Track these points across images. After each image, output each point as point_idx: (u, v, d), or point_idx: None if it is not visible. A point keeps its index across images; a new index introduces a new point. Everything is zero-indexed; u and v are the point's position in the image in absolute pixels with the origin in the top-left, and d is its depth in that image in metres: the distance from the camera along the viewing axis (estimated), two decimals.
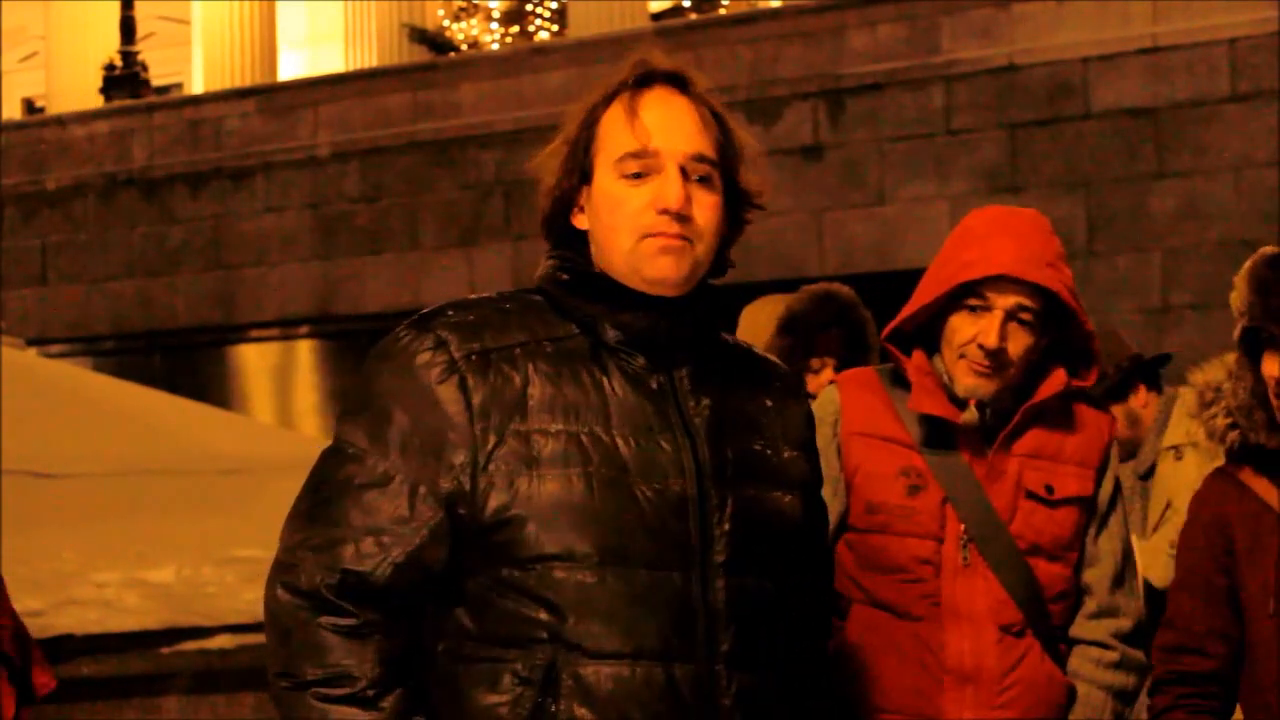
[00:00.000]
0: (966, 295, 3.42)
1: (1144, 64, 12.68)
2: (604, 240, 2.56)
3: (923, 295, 3.49)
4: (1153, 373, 6.08)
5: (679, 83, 2.58)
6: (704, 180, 2.54)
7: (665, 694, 2.46)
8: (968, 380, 3.44)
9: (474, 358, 2.51)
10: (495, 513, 2.47)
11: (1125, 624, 3.48)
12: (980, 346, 3.40)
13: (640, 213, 2.52)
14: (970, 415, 3.45)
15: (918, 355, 3.50)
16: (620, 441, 2.49)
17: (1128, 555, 3.57)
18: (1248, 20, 12.38)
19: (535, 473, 2.47)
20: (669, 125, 2.54)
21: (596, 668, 2.45)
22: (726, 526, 2.51)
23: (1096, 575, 3.52)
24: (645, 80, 2.57)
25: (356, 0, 19.94)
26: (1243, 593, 3.24)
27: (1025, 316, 3.41)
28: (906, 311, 3.50)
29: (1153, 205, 12.54)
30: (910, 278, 3.61)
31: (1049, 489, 3.46)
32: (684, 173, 2.53)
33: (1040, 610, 3.46)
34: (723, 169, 2.58)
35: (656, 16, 18.72)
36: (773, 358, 2.81)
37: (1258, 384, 3.25)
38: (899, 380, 3.51)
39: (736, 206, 2.62)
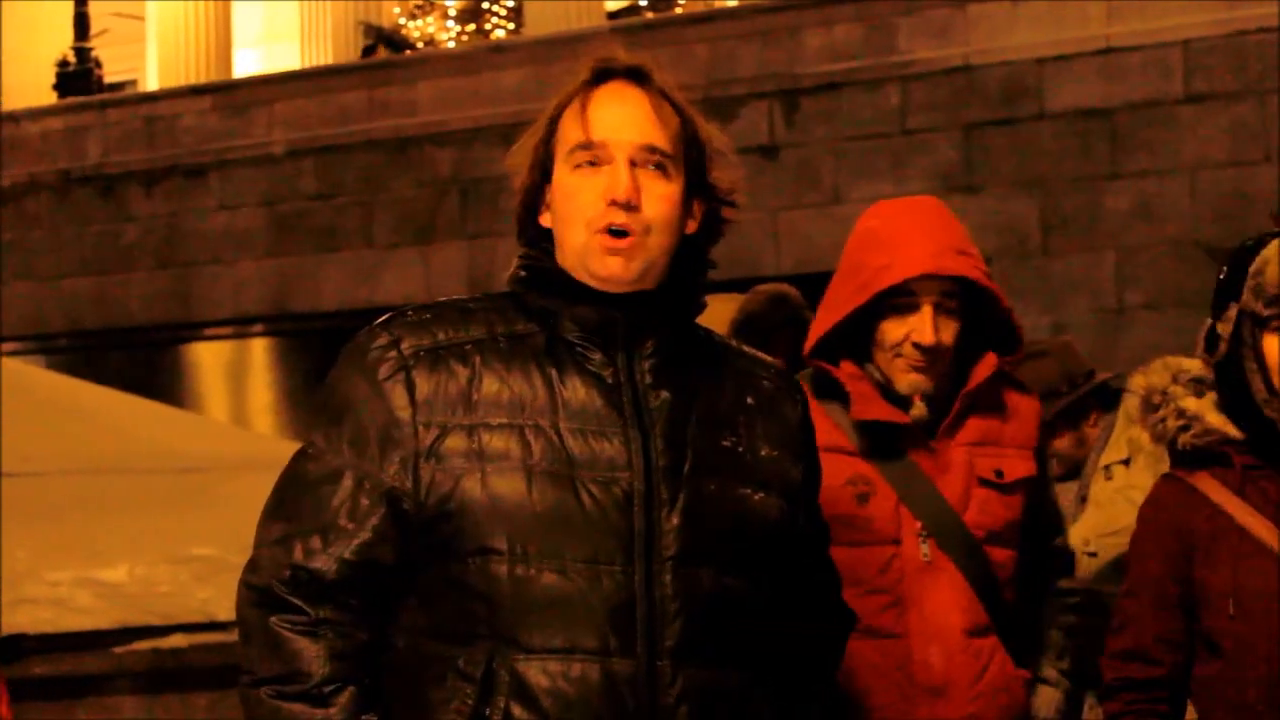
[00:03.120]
0: (889, 296, 3.43)
1: (1099, 65, 12.73)
2: (559, 234, 2.57)
3: (841, 305, 3.49)
4: (1108, 395, 6.04)
5: (637, 76, 2.58)
6: (656, 171, 2.54)
7: (603, 690, 2.45)
8: (908, 378, 3.46)
9: (423, 354, 2.53)
10: (437, 507, 2.48)
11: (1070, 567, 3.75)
12: (916, 344, 3.42)
13: (590, 204, 2.53)
14: (919, 411, 3.46)
15: (846, 364, 3.51)
16: (568, 436, 2.49)
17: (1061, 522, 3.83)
18: (1202, 22, 12.44)
19: (476, 467, 2.48)
20: (619, 118, 2.55)
21: (533, 664, 2.45)
22: (676, 521, 2.50)
23: (1061, 540, 3.73)
24: (603, 75, 2.58)
25: None
26: (1202, 597, 3.24)
27: (950, 305, 3.44)
28: (828, 323, 3.49)
29: (1107, 205, 12.59)
30: None
31: (999, 473, 3.48)
32: (636, 163, 2.53)
33: (1000, 602, 3.48)
34: (687, 162, 2.58)
35: (613, 15, 18.72)
36: (768, 358, 2.78)
37: (1263, 370, 3.22)
38: (822, 390, 3.50)
39: (709, 203, 2.62)
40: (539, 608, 2.45)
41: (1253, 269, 3.23)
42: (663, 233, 2.54)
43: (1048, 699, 3.68)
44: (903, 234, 3.46)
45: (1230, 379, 3.25)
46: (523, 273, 2.60)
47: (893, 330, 3.45)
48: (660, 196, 2.54)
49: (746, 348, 2.78)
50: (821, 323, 3.53)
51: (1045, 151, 12.83)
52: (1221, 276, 3.30)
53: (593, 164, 2.54)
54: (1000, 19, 13.14)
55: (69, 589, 6.94)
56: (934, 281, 3.43)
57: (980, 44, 13.18)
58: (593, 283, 2.54)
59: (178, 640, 6.88)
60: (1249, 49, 12.28)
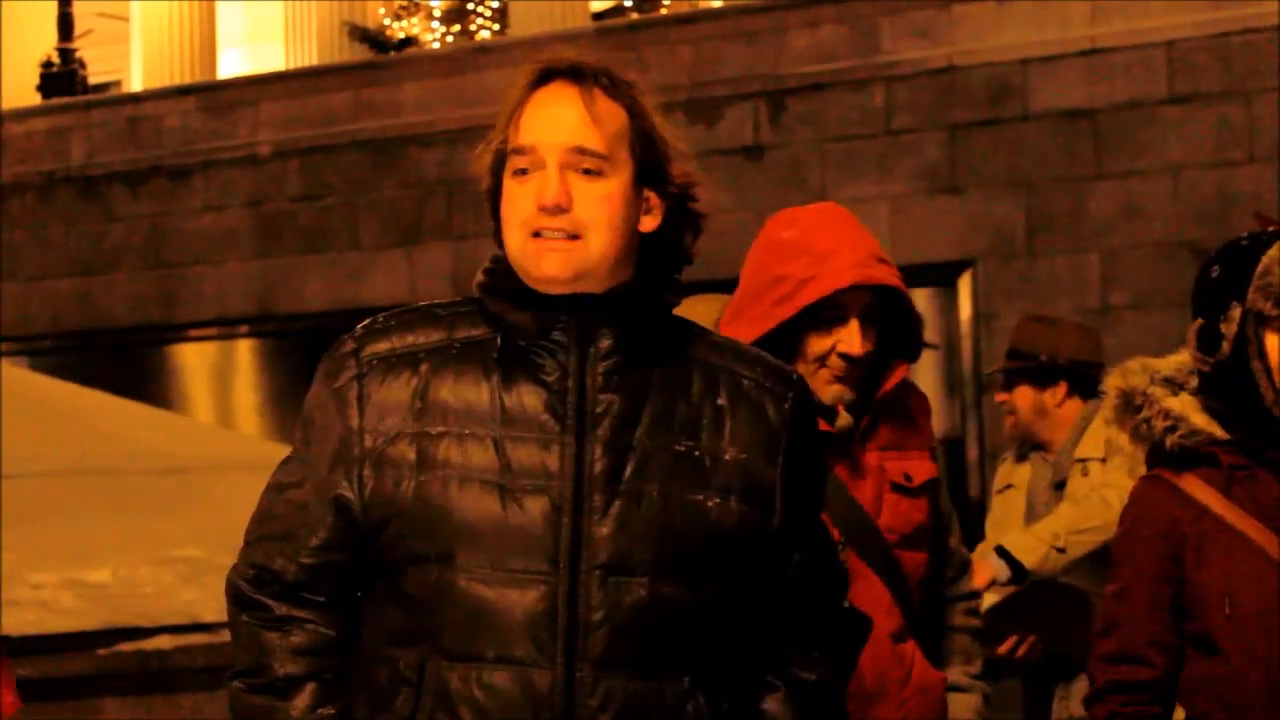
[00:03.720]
0: (814, 308, 3.43)
1: (1083, 66, 12.74)
2: (505, 239, 2.58)
3: (763, 319, 3.45)
4: (1085, 379, 5.99)
5: (575, 75, 2.57)
6: (590, 173, 2.53)
7: (520, 700, 2.46)
8: (831, 389, 3.46)
9: (376, 361, 2.56)
10: (378, 513, 2.52)
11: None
12: (843, 355, 3.42)
13: (524, 208, 2.53)
14: (845, 420, 3.48)
15: None
16: (507, 444, 2.50)
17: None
18: (1186, 23, 12.46)
19: (412, 476, 2.50)
20: (550, 120, 2.54)
21: (456, 671, 2.47)
22: (606, 529, 2.48)
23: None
24: (545, 77, 2.58)
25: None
26: (1195, 598, 3.24)
27: (872, 314, 3.45)
28: (749, 337, 3.39)
29: (1091, 206, 12.61)
30: None
31: (908, 477, 3.51)
32: (567, 166, 2.52)
33: (911, 606, 3.51)
34: (636, 158, 2.55)
35: (598, 16, 18.71)
36: (763, 354, 2.72)
37: (1265, 366, 3.22)
38: None
39: (669, 197, 2.59)
40: (462, 615, 2.47)
41: (1260, 269, 3.22)
42: (603, 233, 2.52)
43: (965, 704, 3.70)
44: (825, 245, 3.46)
45: (1233, 379, 3.25)
46: (484, 277, 2.61)
47: (818, 342, 3.45)
48: (597, 197, 2.52)
49: (742, 345, 2.73)
50: (741, 336, 3.51)
51: (1030, 152, 12.84)
52: (1214, 275, 3.29)
53: (527, 169, 2.54)
54: (984, 20, 13.15)
55: (53, 591, 6.94)
56: (861, 292, 3.44)
57: (965, 44, 13.19)
58: (535, 285, 2.54)
59: (163, 642, 6.87)
60: (1233, 50, 12.30)
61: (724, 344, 2.70)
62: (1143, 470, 3.37)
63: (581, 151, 2.53)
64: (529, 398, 2.52)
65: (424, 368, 2.54)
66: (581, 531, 2.49)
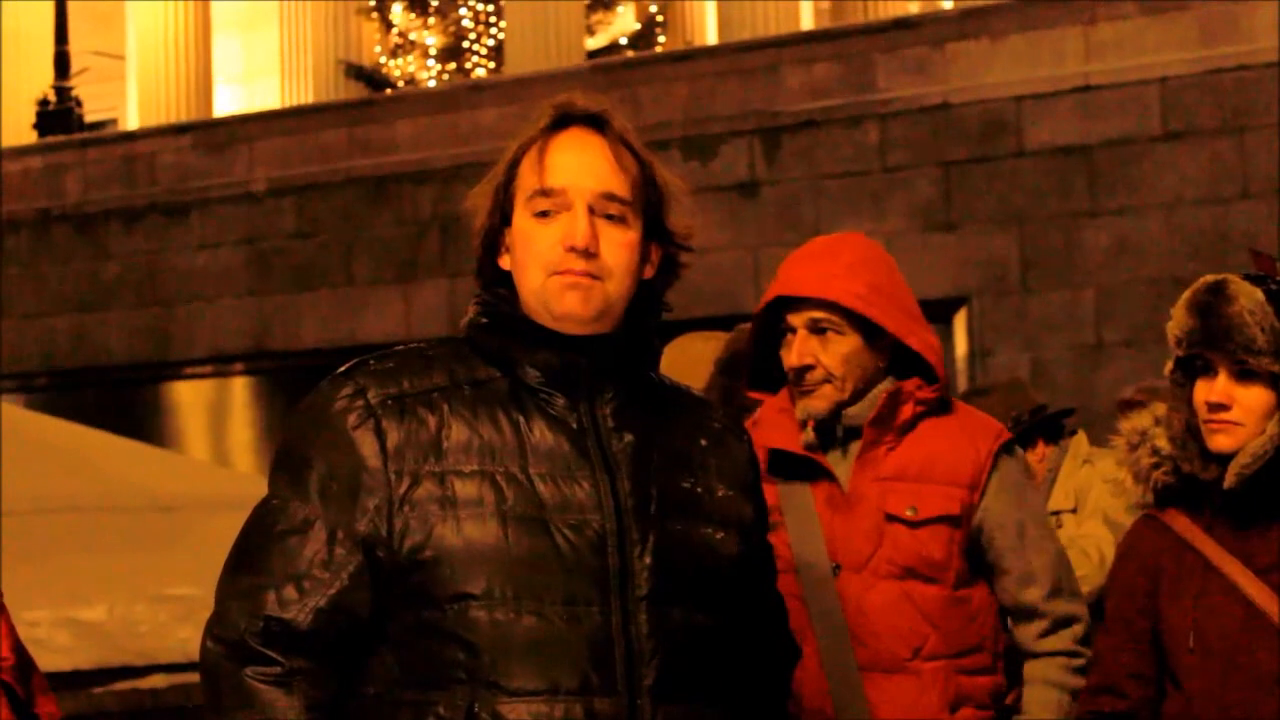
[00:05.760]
0: (784, 327, 3.53)
1: (1076, 103, 12.78)
2: (519, 279, 2.59)
3: (753, 337, 3.63)
4: (1053, 426, 6.06)
5: (596, 123, 2.60)
6: (614, 219, 2.56)
7: None
8: (801, 403, 3.51)
9: (390, 402, 2.54)
10: (411, 554, 2.49)
11: (1079, 630, 3.56)
12: (789, 368, 3.49)
13: (548, 250, 2.55)
14: (806, 436, 3.51)
15: (782, 393, 3.58)
16: (537, 480, 2.51)
17: (1062, 561, 3.64)
18: (1179, 59, 12.50)
19: (450, 514, 2.49)
20: (579, 164, 2.56)
21: (515, 706, 2.46)
22: (648, 560, 2.52)
23: (1038, 594, 3.56)
24: (563, 122, 2.60)
25: (292, 36, 19.90)
26: (1164, 631, 3.26)
27: (828, 326, 3.48)
28: (748, 356, 3.63)
29: (1086, 242, 12.63)
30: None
31: (913, 510, 3.49)
32: (595, 210, 2.55)
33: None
34: (644, 209, 2.59)
35: (593, 54, 18.76)
36: (708, 398, 2.85)
37: (1192, 416, 3.27)
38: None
39: (665, 248, 2.64)
40: (520, 651, 2.46)
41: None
42: (621, 279, 2.56)
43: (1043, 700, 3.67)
44: (788, 265, 3.57)
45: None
46: (483, 319, 2.62)
47: (786, 358, 3.55)
48: (619, 243, 2.56)
49: (691, 389, 2.81)
50: (747, 358, 3.65)
51: (1024, 189, 12.87)
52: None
53: (551, 210, 2.56)
54: (978, 57, 13.19)
55: (48, 629, 6.92)
56: (805, 304, 3.50)
57: (958, 82, 13.23)
58: (552, 324, 2.56)
59: (156, 680, 6.85)
60: (1226, 86, 12.34)
61: (686, 390, 2.78)
62: (1114, 513, 3.42)
63: (610, 197, 2.56)
64: (551, 435, 2.55)
65: (443, 408, 2.54)
66: (628, 562, 2.51)
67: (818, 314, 3.49)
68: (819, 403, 3.51)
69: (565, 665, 2.46)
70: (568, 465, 2.53)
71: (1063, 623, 3.57)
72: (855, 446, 3.54)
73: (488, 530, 2.48)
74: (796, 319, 3.50)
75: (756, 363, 3.66)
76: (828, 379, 3.49)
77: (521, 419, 2.54)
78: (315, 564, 2.52)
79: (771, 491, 3.40)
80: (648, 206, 2.60)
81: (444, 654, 2.48)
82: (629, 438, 2.57)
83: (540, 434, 2.54)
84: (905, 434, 3.54)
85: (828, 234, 3.80)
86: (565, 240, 2.53)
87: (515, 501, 2.50)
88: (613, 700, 2.47)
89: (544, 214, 2.56)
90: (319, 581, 2.51)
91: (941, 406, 3.59)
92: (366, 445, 2.52)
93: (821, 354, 3.48)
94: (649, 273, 2.63)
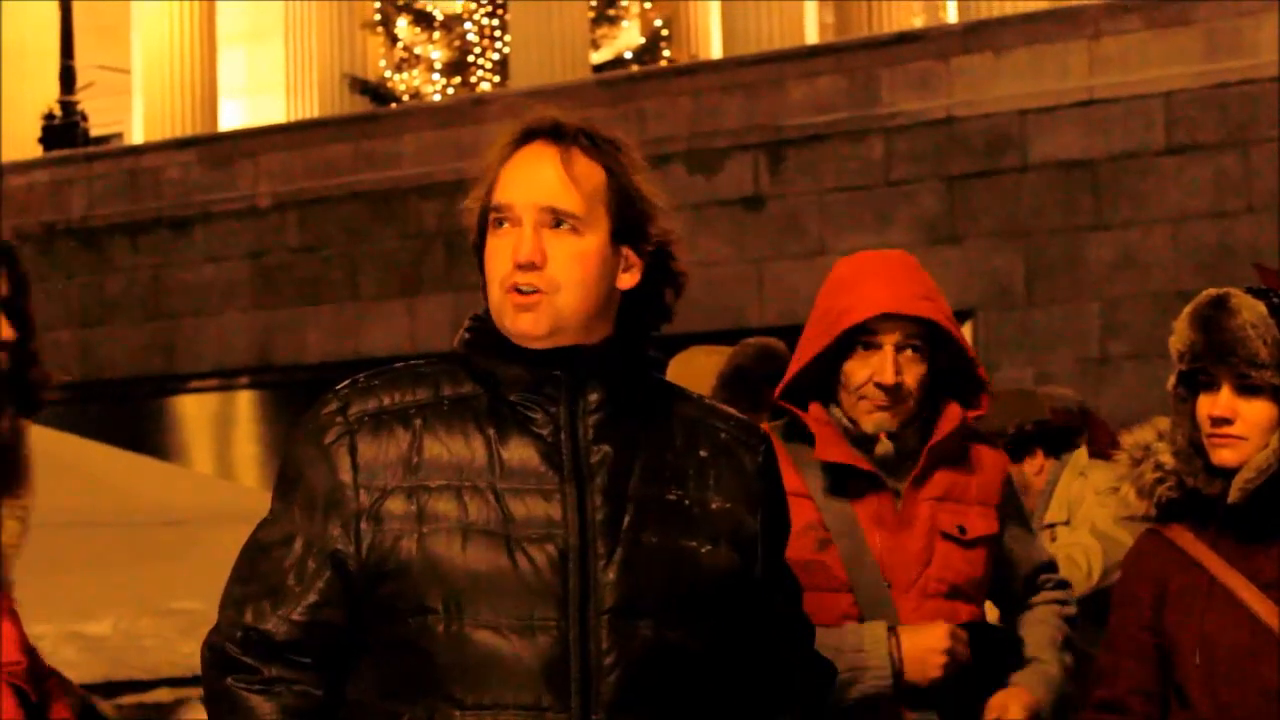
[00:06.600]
0: (854, 340, 3.51)
1: (1081, 117, 12.79)
2: (488, 294, 2.62)
3: (809, 348, 3.57)
4: (1057, 440, 6.05)
5: (556, 135, 2.61)
6: (565, 229, 2.57)
7: None
8: (872, 417, 3.52)
9: (367, 419, 2.58)
10: (377, 567, 2.54)
11: (1069, 596, 3.76)
12: (878, 384, 3.48)
13: (501, 265, 2.58)
14: (885, 447, 3.52)
15: (814, 407, 3.57)
16: (506, 496, 2.53)
17: (1049, 557, 3.86)
18: (1183, 73, 12.51)
19: (416, 528, 2.53)
20: (527, 179, 2.59)
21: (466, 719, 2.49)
22: (613, 575, 2.52)
23: (1028, 569, 3.73)
24: (527, 136, 2.62)
25: (297, 50, 19.94)
26: (1170, 647, 3.26)
27: (913, 348, 3.50)
28: (796, 367, 3.58)
29: (1090, 256, 12.64)
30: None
31: (962, 529, 3.53)
32: (545, 223, 2.57)
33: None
34: (613, 216, 2.59)
35: (598, 68, 18.78)
36: (729, 409, 2.80)
37: (1195, 430, 3.27)
38: (793, 435, 3.58)
39: (646, 253, 2.63)
40: (474, 665, 2.50)
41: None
42: (573, 290, 2.56)
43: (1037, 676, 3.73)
44: (867, 279, 3.56)
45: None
46: (468, 335, 2.65)
47: (856, 372, 3.52)
48: (570, 255, 2.56)
49: (706, 399, 2.81)
50: (792, 368, 3.60)
51: (1028, 202, 12.88)
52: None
53: (507, 225, 2.59)
54: (982, 71, 13.21)
55: (53, 643, 6.92)
56: (895, 322, 3.51)
57: (963, 96, 13.25)
58: (513, 340, 2.58)
59: (162, 694, 6.85)
60: (1230, 100, 12.35)
61: (698, 399, 2.77)
62: (1108, 523, 3.43)
63: (554, 211, 2.57)
64: (524, 450, 2.56)
65: (416, 424, 2.57)
66: (589, 577, 2.52)
67: (910, 333, 3.50)
68: (890, 419, 3.52)
69: (518, 681, 2.49)
70: (538, 479, 2.55)
71: (1060, 584, 3.75)
72: (906, 465, 3.56)
73: (448, 545, 2.51)
74: (888, 336, 3.50)
75: (800, 377, 3.62)
76: (905, 399, 3.51)
77: (496, 434, 2.57)
78: (290, 576, 2.58)
79: (810, 507, 3.45)
80: (615, 213, 2.60)
81: (409, 667, 2.53)
82: (607, 449, 2.57)
83: (513, 449, 2.56)
84: (945, 452, 3.58)
85: (900, 251, 3.82)
86: (513, 255, 2.56)
87: (478, 517, 2.52)
88: (565, 716, 2.49)
89: (499, 227, 2.60)
90: (292, 594, 2.57)
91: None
92: (341, 460, 2.57)
93: (905, 374, 3.51)
94: (628, 281, 2.62)
